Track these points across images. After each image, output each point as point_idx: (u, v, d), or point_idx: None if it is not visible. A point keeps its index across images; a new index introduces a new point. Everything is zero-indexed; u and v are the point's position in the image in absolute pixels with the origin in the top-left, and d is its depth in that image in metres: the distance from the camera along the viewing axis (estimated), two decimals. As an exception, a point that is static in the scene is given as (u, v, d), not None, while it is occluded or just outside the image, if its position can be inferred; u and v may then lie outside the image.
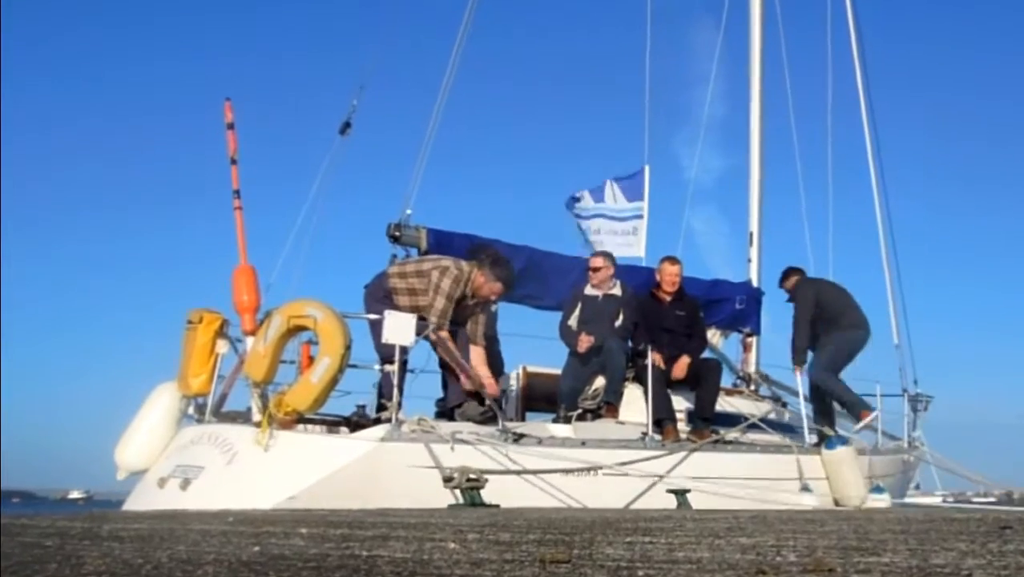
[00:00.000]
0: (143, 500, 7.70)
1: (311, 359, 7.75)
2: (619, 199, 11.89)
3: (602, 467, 8.29)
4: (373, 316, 8.21)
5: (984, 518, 4.84)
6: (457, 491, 7.26)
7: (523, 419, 9.94)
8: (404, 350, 7.88)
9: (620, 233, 11.78)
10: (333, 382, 7.59)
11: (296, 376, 7.80)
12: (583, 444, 8.55)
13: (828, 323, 10.60)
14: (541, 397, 10.12)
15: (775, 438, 10.09)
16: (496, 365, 9.24)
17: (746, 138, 12.78)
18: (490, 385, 8.54)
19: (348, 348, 7.59)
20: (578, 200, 12.09)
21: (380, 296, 8.59)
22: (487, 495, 7.19)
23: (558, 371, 9.88)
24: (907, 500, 11.73)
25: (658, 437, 9.14)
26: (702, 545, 3.43)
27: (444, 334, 8.44)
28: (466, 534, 3.93)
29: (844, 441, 10.04)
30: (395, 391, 7.71)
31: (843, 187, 14.09)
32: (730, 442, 9.55)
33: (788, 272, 11.22)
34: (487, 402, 8.39)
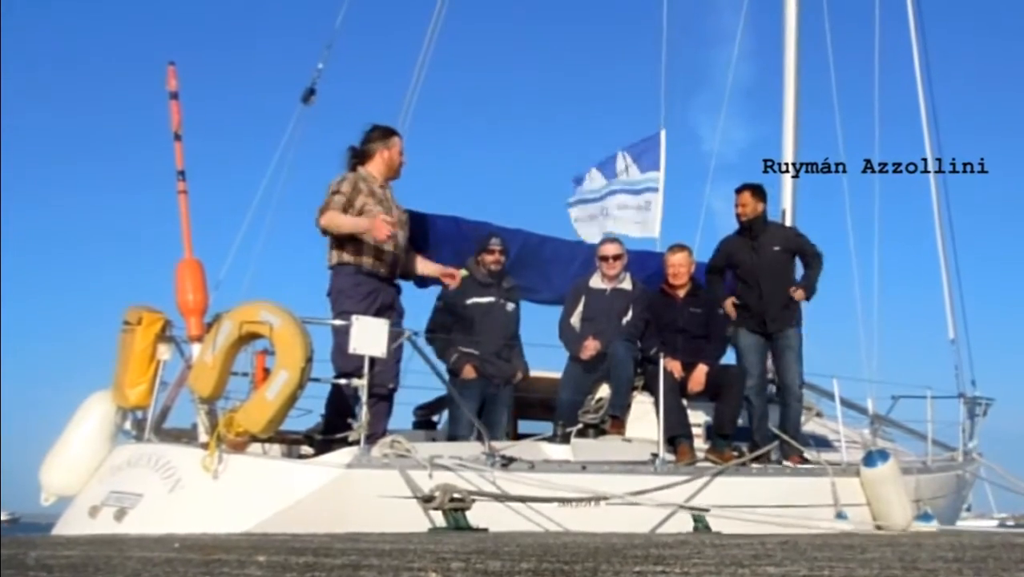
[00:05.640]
0: (72, 531, 6.95)
1: (266, 372, 7.00)
2: (631, 170, 10.56)
3: (606, 497, 7.41)
4: (338, 322, 7.37)
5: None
6: (439, 513, 6.69)
7: (516, 428, 9.10)
8: (373, 361, 7.09)
9: (632, 208, 10.49)
10: (292, 400, 6.88)
11: (249, 391, 7.07)
12: (583, 469, 7.69)
13: None
14: (537, 404, 9.17)
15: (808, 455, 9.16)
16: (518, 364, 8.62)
17: (778, 100, 11.35)
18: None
19: (309, 360, 6.86)
20: (580, 183, 10.87)
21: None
22: None
23: (556, 374, 8.94)
24: (960, 524, 10.85)
25: (671, 458, 8.24)
26: (723, 576, 3.24)
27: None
28: (449, 562, 3.69)
29: (885, 457, 9.04)
30: (363, 408, 7.00)
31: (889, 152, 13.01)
32: (756, 459, 8.66)
33: None
34: None
